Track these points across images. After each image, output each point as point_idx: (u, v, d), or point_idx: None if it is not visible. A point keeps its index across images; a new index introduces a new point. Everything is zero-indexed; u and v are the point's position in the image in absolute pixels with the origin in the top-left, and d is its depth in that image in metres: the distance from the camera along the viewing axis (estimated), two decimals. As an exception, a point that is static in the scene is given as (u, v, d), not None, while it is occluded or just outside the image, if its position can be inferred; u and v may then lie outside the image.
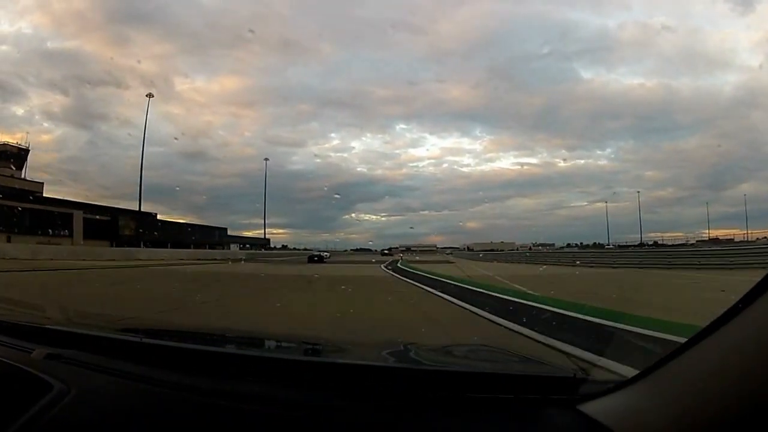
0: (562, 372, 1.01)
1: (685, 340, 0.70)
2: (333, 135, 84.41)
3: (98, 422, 0.89)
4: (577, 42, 72.06)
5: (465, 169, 77.73)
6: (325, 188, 66.56)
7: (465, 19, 64.70)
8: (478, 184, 72.76)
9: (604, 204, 66.88)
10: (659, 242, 49.60)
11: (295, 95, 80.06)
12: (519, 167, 75.65)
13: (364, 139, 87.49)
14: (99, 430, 0.87)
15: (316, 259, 37.73)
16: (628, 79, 75.78)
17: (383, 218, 70.94)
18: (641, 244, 48.32)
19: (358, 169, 77.48)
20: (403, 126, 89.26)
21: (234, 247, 53.87)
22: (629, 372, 0.86)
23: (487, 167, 77.98)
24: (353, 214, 71.39)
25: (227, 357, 1.17)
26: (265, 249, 57.55)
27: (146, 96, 40.88)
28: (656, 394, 0.73)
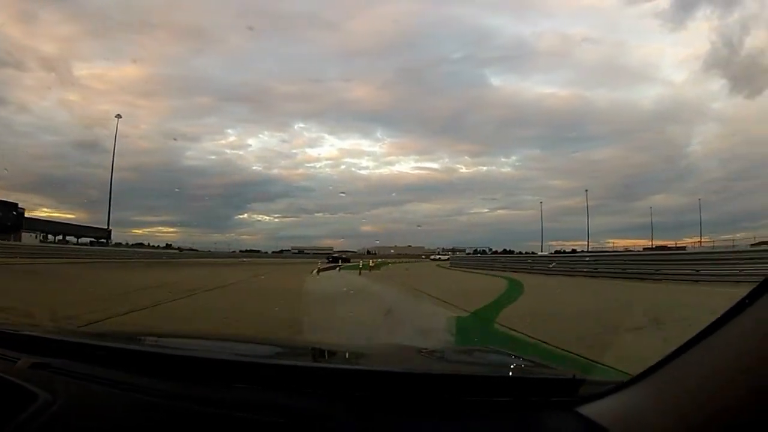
0: (561, 374, 1.02)
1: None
2: (230, 131, 78.50)
3: None
4: (492, 48, 71.32)
5: (363, 172, 73.52)
6: (219, 186, 62.33)
7: (379, 18, 61.31)
8: (376, 188, 70.29)
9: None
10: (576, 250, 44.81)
11: (196, 87, 74.36)
12: (420, 171, 73.82)
13: (261, 136, 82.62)
14: None
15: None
16: (540, 88, 74.48)
17: (277, 219, 68.54)
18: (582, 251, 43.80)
19: (254, 167, 71.74)
20: (302, 125, 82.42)
21: (30, 238, 32.10)
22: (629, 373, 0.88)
23: (386, 170, 74.42)
24: (246, 214, 68.50)
25: (219, 363, 1.14)
26: (103, 244, 35.29)
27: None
28: (656, 395, 0.74)
